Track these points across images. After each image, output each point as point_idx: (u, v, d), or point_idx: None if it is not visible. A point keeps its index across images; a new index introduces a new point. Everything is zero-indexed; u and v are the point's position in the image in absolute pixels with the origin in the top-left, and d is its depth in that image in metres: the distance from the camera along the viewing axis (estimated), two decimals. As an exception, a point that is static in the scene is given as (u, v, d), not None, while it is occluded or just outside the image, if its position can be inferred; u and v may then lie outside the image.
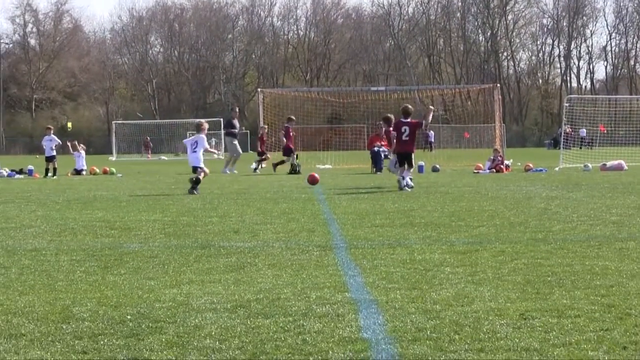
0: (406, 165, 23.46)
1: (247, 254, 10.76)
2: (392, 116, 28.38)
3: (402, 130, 23.80)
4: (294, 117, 39.54)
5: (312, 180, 26.38)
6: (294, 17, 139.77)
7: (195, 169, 23.76)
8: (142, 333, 6.61)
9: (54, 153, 36.64)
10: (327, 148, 58.52)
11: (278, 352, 6.03)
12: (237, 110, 40.65)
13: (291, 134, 37.25)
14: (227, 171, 36.70)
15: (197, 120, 25.93)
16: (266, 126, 40.70)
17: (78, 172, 37.95)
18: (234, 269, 9.66)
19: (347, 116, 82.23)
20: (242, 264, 9.96)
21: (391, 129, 27.56)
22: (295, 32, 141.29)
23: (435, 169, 36.40)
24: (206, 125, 24.68)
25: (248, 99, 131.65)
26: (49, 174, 35.74)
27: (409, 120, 24.02)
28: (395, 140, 24.19)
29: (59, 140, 37.91)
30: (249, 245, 11.69)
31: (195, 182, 23.07)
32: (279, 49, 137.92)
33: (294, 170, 35.50)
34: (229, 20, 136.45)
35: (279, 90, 72.29)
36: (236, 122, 38.59)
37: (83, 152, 38.94)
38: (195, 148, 23.94)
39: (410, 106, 24.79)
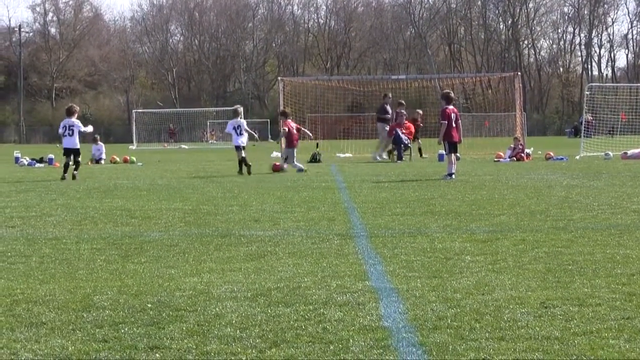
0: (453, 156, 23.21)
1: (267, 243, 10.76)
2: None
3: (453, 117, 23.18)
4: (404, 102, 39.22)
5: (276, 169, 27.87)
6: (315, 5, 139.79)
7: (241, 149, 26.98)
8: (162, 321, 6.62)
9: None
10: (348, 137, 58.42)
11: (299, 340, 6.03)
12: (390, 96, 40.22)
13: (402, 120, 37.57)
14: (377, 157, 36.74)
15: (235, 106, 28.59)
16: (420, 111, 40.64)
17: (97, 160, 38.19)
18: (254, 257, 9.66)
19: (368, 105, 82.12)
20: (262, 253, 9.96)
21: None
22: (316, 20, 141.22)
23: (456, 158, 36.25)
24: (241, 110, 28.35)
25: (268, 87, 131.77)
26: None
27: (453, 107, 23.50)
28: (446, 129, 23.07)
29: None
30: (269, 234, 11.69)
31: (241, 163, 26.62)
32: (299, 38, 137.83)
33: (314, 159, 35.45)
34: (249, 8, 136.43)
35: (300, 78, 72.24)
36: (388, 108, 38.31)
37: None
38: (240, 131, 27.38)
39: (452, 92, 24.41)
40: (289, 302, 7.25)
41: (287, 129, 28.56)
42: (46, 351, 5.87)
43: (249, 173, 26.22)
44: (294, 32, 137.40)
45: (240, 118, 28.00)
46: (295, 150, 28.83)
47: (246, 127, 27.96)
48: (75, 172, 24.78)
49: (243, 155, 26.85)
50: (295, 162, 28.05)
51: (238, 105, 29.19)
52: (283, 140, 29.78)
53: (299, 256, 9.69)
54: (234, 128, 27.56)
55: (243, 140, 27.51)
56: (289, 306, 7.08)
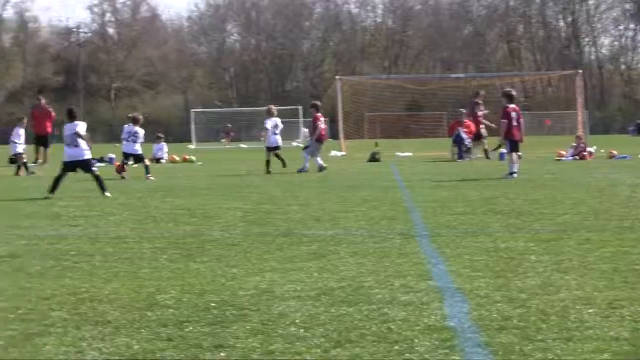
0: (514, 155, 23.05)
1: (328, 242, 10.73)
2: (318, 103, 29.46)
3: (514, 115, 23.24)
4: (480, 102, 37.74)
5: (119, 170, 26.95)
6: (371, 4, 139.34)
7: (278, 148, 27.50)
8: (226, 320, 6.62)
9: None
10: (407, 135, 58.27)
11: (363, 340, 5.99)
12: (481, 93, 38.87)
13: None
14: (472, 156, 36.19)
15: (268, 105, 28.84)
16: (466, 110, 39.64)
17: (158, 159, 38.42)
18: (316, 256, 9.64)
19: (426, 103, 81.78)
20: (324, 252, 9.93)
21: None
22: (373, 19, 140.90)
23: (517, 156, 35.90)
24: (275, 110, 28.56)
25: (326, 86, 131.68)
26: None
27: (514, 105, 23.51)
28: (507, 127, 23.17)
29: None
30: (330, 233, 11.66)
31: (268, 163, 26.88)
32: (356, 36, 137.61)
33: (373, 158, 35.34)
34: (306, 7, 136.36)
35: (357, 77, 72.17)
36: (479, 107, 37.16)
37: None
38: (276, 131, 27.62)
39: (513, 91, 24.35)
40: (353, 301, 7.22)
41: (320, 124, 28.19)
42: (111, 349, 5.89)
43: (284, 166, 27.07)
44: (351, 31, 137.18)
45: (276, 117, 28.25)
46: (321, 146, 28.83)
47: (281, 127, 28.31)
48: (147, 175, 25.01)
49: (277, 153, 27.42)
50: (318, 159, 27.52)
51: (272, 105, 29.19)
52: (308, 131, 29.45)
53: (361, 255, 9.66)
54: (272, 126, 27.77)
55: (279, 140, 27.89)
56: (352, 305, 7.05)
